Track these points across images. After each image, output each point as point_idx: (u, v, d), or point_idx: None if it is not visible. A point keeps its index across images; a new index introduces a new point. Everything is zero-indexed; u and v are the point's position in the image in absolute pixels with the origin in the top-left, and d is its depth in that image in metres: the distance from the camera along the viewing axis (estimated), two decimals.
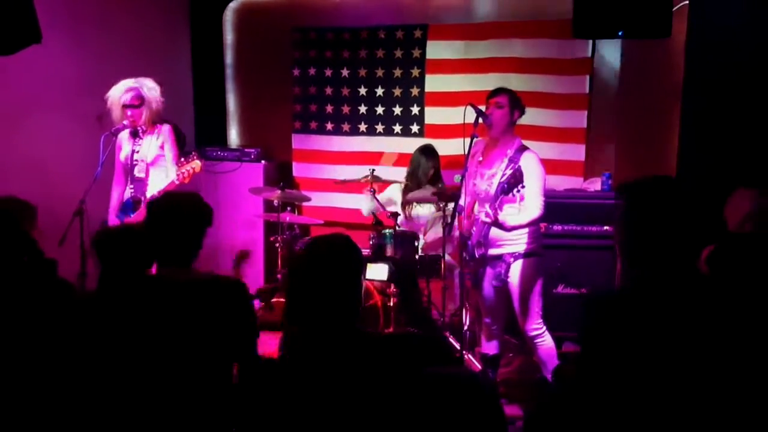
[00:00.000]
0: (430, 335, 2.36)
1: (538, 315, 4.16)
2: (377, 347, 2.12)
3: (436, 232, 5.27)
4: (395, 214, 5.13)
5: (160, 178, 4.67)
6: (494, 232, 4.08)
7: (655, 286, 2.08)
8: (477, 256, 4.19)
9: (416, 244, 4.95)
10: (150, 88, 4.64)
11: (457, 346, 4.66)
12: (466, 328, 4.95)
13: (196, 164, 4.50)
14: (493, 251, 4.16)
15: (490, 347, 4.45)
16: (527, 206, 3.98)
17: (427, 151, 5.43)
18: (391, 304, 4.70)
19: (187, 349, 2.43)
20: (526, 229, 4.08)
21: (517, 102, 4.20)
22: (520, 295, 4.12)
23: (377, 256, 2.70)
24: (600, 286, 4.41)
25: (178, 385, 2.41)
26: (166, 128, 4.74)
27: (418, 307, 2.61)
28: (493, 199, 4.00)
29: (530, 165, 4.01)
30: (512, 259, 4.12)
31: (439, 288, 4.79)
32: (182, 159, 4.53)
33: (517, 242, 4.11)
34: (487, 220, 3.91)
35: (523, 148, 4.14)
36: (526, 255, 4.11)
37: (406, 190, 5.43)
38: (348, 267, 2.16)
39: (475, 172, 4.29)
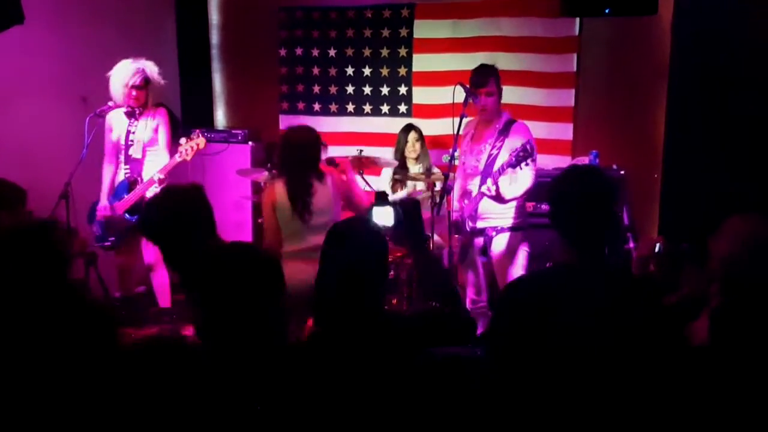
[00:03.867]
0: (448, 309, 2.32)
1: None
2: (395, 331, 2.11)
3: (424, 212, 5.28)
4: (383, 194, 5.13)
5: (155, 159, 4.68)
6: (482, 206, 4.14)
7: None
8: (468, 229, 4.22)
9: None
10: (152, 70, 4.64)
11: None
12: None
13: (201, 141, 4.56)
14: (479, 224, 4.22)
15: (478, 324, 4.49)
16: (519, 177, 4.02)
17: (408, 128, 5.47)
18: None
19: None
20: (514, 204, 4.12)
21: (498, 79, 4.24)
22: (503, 267, 4.19)
23: (380, 200, 2.72)
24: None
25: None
26: (161, 112, 4.74)
27: (434, 268, 2.57)
28: (483, 174, 4.08)
29: (516, 137, 4.07)
30: (494, 233, 4.20)
31: None
32: (185, 138, 4.58)
33: (502, 216, 4.18)
34: (489, 194, 3.98)
35: (511, 121, 4.20)
36: (511, 229, 4.17)
37: (395, 171, 5.45)
38: (372, 253, 2.16)
39: (466, 150, 4.33)
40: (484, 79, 4.21)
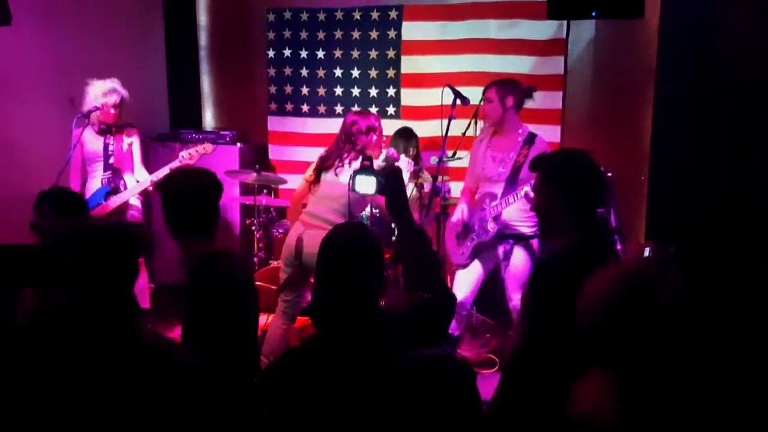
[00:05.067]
0: (429, 293, 2.32)
1: None
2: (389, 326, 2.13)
3: (414, 213, 5.28)
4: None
5: (133, 174, 4.84)
6: (507, 213, 4.22)
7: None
8: (490, 230, 4.29)
9: (393, 227, 4.97)
10: (125, 92, 4.73)
11: None
12: None
13: (208, 146, 4.70)
14: (504, 231, 4.29)
15: (455, 327, 4.51)
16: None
17: (404, 133, 5.44)
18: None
19: None
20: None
21: (509, 90, 4.30)
22: (518, 273, 4.24)
23: (364, 169, 2.81)
24: None
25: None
26: (134, 131, 4.91)
27: (416, 237, 2.58)
28: (508, 180, 4.20)
29: (542, 150, 4.16)
30: (517, 240, 4.28)
31: None
32: (191, 146, 4.73)
33: (525, 224, 4.26)
34: (529, 198, 4.00)
35: (534, 135, 4.31)
36: (531, 237, 4.27)
37: None
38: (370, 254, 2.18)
39: (484, 157, 4.38)
40: (488, 85, 4.36)
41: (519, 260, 4.27)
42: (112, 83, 4.67)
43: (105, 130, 4.76)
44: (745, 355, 2.18)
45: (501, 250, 4.33)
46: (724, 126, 4.81)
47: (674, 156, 5.00)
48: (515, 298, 4.22)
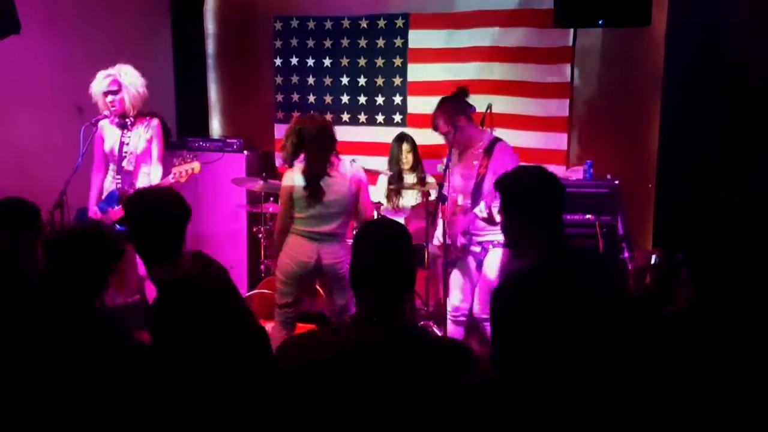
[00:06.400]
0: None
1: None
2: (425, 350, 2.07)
3: (419, 221, 5.29)
4: (377, 204, 5.16)
5: (148, 172, 4.69)
6: (479, 223, 4.17)
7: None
8: (459, 245, 4.24)
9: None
10: (127, 74, 4.60)
11: (440, 334, 4.68)
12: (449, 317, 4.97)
13: (196, 165, 4.51)
14: (478, 239, 4.27)
15: (457, 333, 4.52)
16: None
17: (401, 138, 5.45)
18: None
19: None
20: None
21: (453, 110, 4.25)
22: (486, 279, 4.23)
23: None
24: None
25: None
26: (155, 123, 4.73)
27: None
28: (473, 193, 4.14)
29: (500, 160, 4.11)
30: (491, 246, 4.24)
31: (422, 278, 4.81)
32: (179, 159, 4.54)
33: (496, 232, 4.17)
34: (481, 215, 4.02)
35: (495, 141, 4.24)
36: (504, 245, 4.18)
37: (390, 180, 5.47)
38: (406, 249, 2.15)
39: (452, 173, 4.36)
40: (433, 122, 4.33)
41: (491, 266, 4.25)
42: (107, 70, 4.56)
43: (122, 124, 4.66)
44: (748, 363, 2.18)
45: (476, 258, 4.33)
46: (731, 134, 4.79)
47: (681, 163, 4.98)
48: (483, 305, 4.23)
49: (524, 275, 2.51)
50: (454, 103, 4.30)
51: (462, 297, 4.45)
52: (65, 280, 2.40)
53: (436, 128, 4.34)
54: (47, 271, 2.45)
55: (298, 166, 4.09)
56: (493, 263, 4.24)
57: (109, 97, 4.55)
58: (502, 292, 2.48)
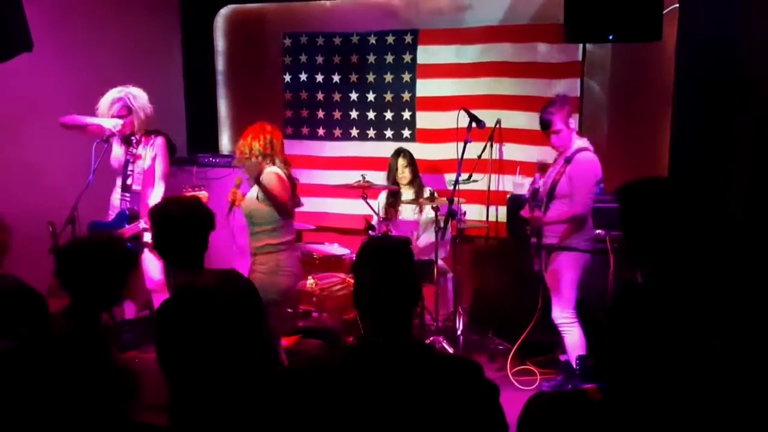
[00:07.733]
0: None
1: (568, 306, 4.30)
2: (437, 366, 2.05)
3: (429, 236, 5.27)
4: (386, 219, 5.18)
5: (153, 190, 4.74)
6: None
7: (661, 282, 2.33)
8: (533, 243, 4.44)
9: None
10: (136, 97, 4.67)
11: (451, 351, 4.66)
12: (459, 332, 4.96)
13: (203, 194, 4.47)
14: (544, 241, 4.40)
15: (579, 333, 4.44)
16: (569, 204, 4.26)
17: (398, 153, 5.47)
18: None
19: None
20: (566, 225, 4.30)
21: (570, 112, 4.42)
22: (551, 283, 4.34)
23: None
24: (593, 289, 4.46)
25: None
26: (159, 141, 4.79)
27: None
28: (546, 197, 4.31)
29: (576, 167, 4.27)
30: (548, 250, 4.38)
31: (431, 293, 4.79)
32: (187, 187, 4.54)
33: (557, 235, 4.33)
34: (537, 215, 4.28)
35: (578, 150, 4.34)
36: (564, 248, 4.31)
37: (388, 196, 5.48)
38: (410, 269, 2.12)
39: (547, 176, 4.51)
40: (545, 119, 4.39)
41: (551, 269, 4.36)
42: (114, 93, 4.64)
43: (127, 140, 4.71)
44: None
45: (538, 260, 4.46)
46: (742, 146, 4.77)
47: (692, 179, 4.95)
48: (552, 310, 4.33)
49: (629, 293, 2.48)
50: (565, 100, 4.43)
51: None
52: (75, 289, 2.41)
53: (546, 125, 4.37)
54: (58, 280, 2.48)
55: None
56: (552, 265, 4.35)
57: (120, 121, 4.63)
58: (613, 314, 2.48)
